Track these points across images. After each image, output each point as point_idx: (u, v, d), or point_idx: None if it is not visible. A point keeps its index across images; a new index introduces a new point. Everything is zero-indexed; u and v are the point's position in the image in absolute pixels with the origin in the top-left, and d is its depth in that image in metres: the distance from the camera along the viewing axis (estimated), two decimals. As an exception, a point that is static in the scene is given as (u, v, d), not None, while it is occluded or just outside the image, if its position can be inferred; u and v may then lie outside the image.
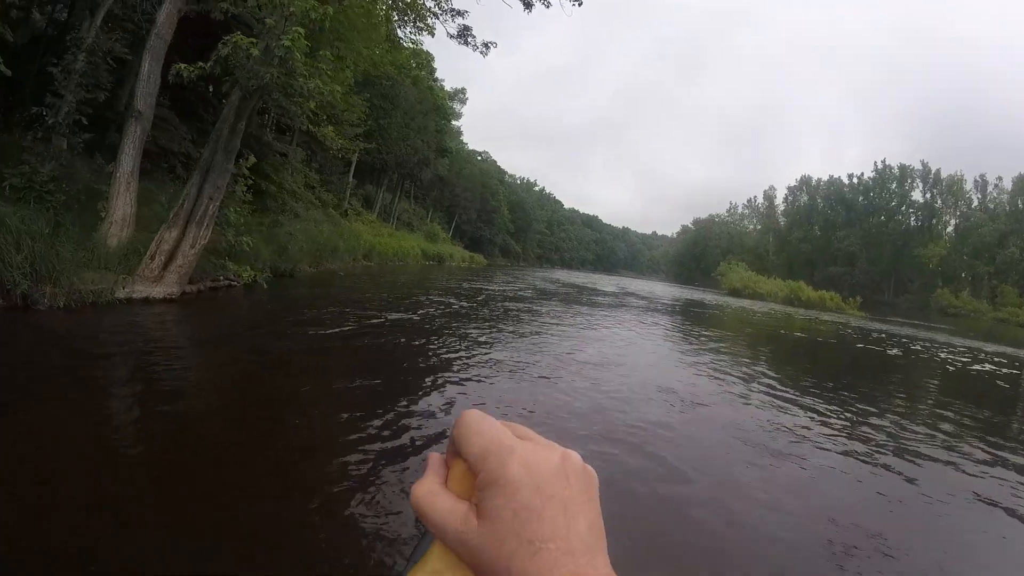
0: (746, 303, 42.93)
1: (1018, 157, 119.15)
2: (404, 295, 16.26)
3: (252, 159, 10.23)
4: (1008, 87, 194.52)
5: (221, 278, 10.73)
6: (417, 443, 4.68)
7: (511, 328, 11.78)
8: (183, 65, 8.41)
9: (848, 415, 7.70)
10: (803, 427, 6.80)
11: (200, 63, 8.33)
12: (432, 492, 0.38)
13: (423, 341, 8.94)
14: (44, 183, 8.23)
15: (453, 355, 8.17)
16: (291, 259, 15.40)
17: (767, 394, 8.37)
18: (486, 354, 8.44)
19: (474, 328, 10.97)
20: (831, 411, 7.78)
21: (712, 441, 5.96)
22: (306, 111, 8.75)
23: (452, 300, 16.72)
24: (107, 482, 3.42)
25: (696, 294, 51.08)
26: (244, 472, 3.86)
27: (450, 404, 5.83)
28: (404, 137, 43.56)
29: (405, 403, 5.72)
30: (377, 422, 4.99)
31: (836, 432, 6.76)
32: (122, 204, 8.67)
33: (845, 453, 6.02)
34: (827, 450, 6.04)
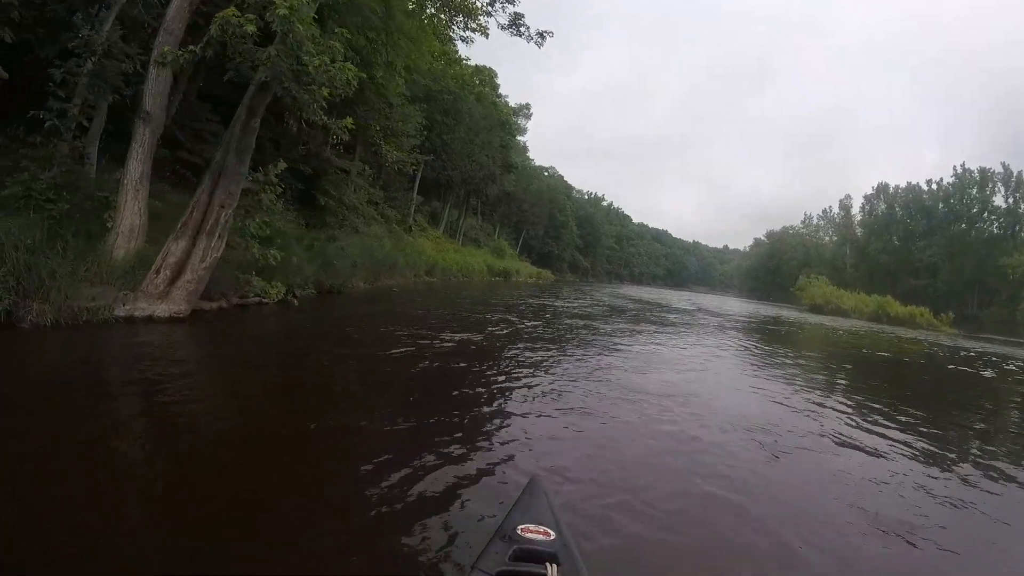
0: (827, 319, 39.40)
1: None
2: (463, 313, 14.94)
3: (282, 164, 9.17)
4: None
5: (250, 295, 9.70)
6: (463, 501, 3.56)
7: (579, 352, 10.12)
8: (168, 48, 7.42)
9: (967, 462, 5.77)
10: (929, 476, 5.07)
11: (191, 46, 7.26)
12: None
13: (478, 368, 7.49)
14: (44, 191, 7.38)
15: (514, 384, 6.70)
16: (338, 275, 14.39)
17: (870, 432, 6.44)
18: (550, 385, 6.87)
19: (540, 351, 9.37)
20: (948, 455, 5.92)
21: (818, 498, 4.33)
22: (319, 100, 7.40)
23: (514, 318, 15.26)
24: None
25: (773, 310, 47.54)
26: None
27: (510, 458, 4.37)
28: (469, 153, 42.86)
29: (447, 446, 4.41)
30: (408, 473, 3.78)
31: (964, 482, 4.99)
32: (130, 214, 7.70)
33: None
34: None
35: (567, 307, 22.00)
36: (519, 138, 66.40)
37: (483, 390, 6.31)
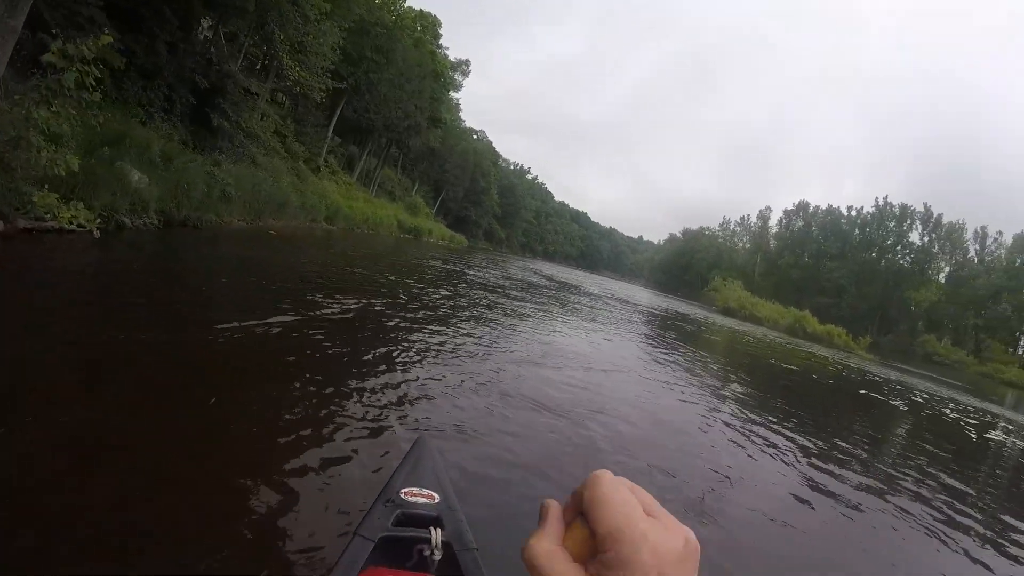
0: (738, 324, 39.99)
1: (1018, 213, 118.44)
2: (356, 271, 12.81)
3: (107, 38, 6.58)
4: (1014, 142, 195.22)
5: (47, 218, 7.14)
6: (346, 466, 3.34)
7: (478, 333, 8.44)
8: None
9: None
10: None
11: None
12: (551, 553, 0.37)
13: (367, 344, 6.13)
14: None
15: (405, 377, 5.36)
16: (198, 205, 11.77)
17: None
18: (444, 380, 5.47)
19: (434, 330, 7.67)
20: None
21: None
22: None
23: (415, 283, 13.34)
24: None
25: (684, 307, 47.81)
26: None
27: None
28: (396, 98, 39.65)
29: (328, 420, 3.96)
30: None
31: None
32: None
33: None
34: None
35: (476, 276, 20.22)
36: (452, 94, 62.99)
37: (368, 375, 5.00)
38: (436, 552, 1.69)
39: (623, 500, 0.37)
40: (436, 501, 2.00)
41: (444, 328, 8.14)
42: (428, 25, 50.50)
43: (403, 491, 2.03)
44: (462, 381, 5.70)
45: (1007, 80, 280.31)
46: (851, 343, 46.98)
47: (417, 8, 51.72)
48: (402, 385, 5.08)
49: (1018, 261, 72.24)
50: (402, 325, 7.72)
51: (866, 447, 8.18)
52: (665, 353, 12.94)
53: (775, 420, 8.14)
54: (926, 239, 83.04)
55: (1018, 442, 13.95)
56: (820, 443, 7.38)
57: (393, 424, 4.13)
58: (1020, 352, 67.81)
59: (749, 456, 5.98)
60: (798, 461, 6.23)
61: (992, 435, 13.82)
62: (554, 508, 0.41)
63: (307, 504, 2.85)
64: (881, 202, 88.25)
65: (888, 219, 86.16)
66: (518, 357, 7.63)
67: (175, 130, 17.20)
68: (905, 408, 14.73)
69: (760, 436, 6.89)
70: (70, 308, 5.02)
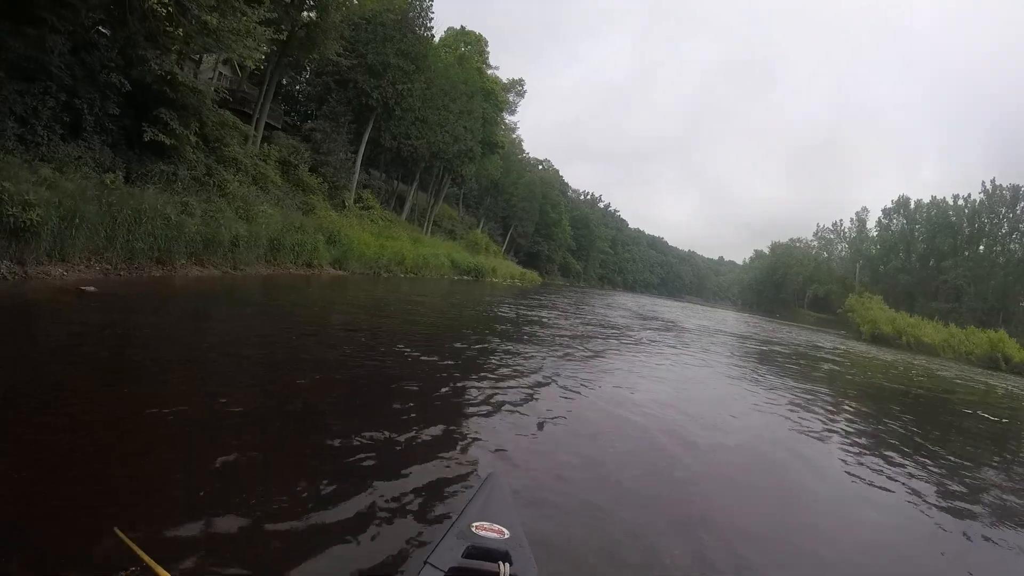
0: (910, 358, 30.51)
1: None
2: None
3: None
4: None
5: None
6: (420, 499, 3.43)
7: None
8: None
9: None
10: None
11: None
12: None
13: None
14: None
15: None
16: None
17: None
18: None
19: None
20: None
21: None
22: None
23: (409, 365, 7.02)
24: None
25: (815, 336, 38.15)
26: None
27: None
28: (440, 121, 34.15)
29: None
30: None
31: None
32: None
33: None
34: None
35: (550, 326, 13.48)
36: (508, 118, 57.42)
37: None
38: None
39: None
40: (506, 537, 2.05)
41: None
42: (472, 41, 45.46)
43: (474, 525, 2.10)
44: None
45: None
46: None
47: (458, 26, 47.06)
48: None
49: None
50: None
51: None
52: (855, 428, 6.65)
53: None
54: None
55: None
56: None
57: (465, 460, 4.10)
58: None
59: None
60: None
61: None
62: None
63: (378, 535, 2.89)
64: (989, 186, 74.87)
65: (999, 204, 73.07)
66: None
67: (87, 152, 11.92)
68: None
69: None
70: None
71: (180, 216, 10.60)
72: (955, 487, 5.85)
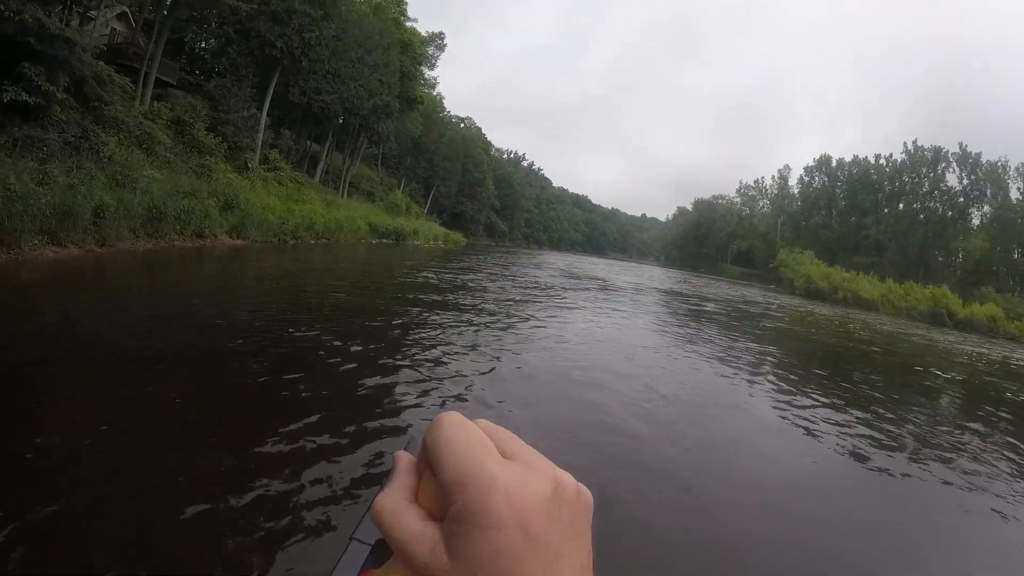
0: (850, 311, 30.99)
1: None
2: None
3: None
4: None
5: None
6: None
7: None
8: None
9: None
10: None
11: None
12: (399, 509, 0.31)
13: None
14: None
15: None
16: None
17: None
18: None
19: None
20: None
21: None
22: None
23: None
24: None
25: (749, 292, 38.60)
26: None
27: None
28: (354, 74, 31.93)
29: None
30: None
31: None
32: None
33: None
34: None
35: (452, 289, 12.61)
36: (428, 73, 54.88)
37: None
38: None
39: (468, 440, 0.30)
40: None
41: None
42: (389, -11, 42.70)
43: None
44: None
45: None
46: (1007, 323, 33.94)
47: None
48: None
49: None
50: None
51: None
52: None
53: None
54: (965, 182, 74.07)
55: None
56: None
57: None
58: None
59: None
60: None
61: None
62: (405, 460, 0.35)
63: (304, 519, 2.97)
64: (911, 147, 79.33)
65: (920, 164, 77.42)
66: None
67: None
68: None
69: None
70: None
71: (26, 186, 8.87)
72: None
